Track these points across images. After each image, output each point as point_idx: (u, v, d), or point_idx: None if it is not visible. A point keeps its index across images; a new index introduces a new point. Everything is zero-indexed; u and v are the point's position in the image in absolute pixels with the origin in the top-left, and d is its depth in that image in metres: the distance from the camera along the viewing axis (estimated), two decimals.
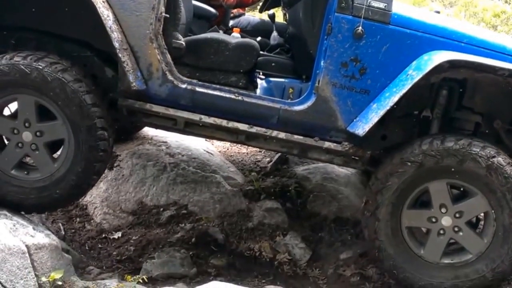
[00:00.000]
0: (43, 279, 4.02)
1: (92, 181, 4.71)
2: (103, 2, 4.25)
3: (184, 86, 4.50)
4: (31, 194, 4.51)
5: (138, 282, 4.33)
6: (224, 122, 4.59)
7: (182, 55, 4.62)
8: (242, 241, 5.40)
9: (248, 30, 6.17)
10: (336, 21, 4.35)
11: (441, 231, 4.54)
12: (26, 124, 4.44)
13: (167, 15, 4.46)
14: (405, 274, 4.57)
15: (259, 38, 5.65)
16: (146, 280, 4.42)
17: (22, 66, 4.31)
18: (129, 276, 4.38)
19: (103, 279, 4.61)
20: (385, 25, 4.36)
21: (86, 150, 4.46)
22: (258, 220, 5.58)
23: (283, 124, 4.59)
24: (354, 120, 4.46)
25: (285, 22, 6.18)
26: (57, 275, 4.09)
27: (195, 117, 4.59)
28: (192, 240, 5.31)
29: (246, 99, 4.55)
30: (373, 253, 4.64)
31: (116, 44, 4.27)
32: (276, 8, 6.23)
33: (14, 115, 4.55)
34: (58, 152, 4.64)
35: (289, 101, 4.62)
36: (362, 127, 4.36)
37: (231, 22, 6.42)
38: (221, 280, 4.67)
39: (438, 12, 5.38)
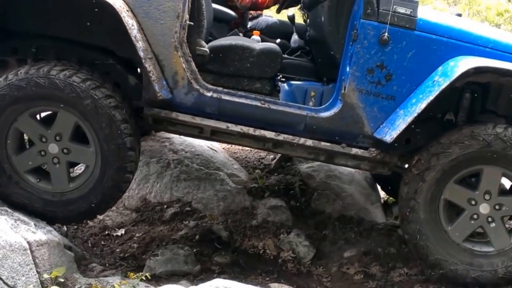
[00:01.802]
0: (45, 276, 4.00)
1: (100, 213, 4.72)
2: (127, 11, 4.21)
3: (209, 94, 4.48)
4: (36, 203, 4.47)
5: (141, 280, 4.30)
6: (251, 130, 4.57)
7: (206, 62, 4.59)
8: (246, 239, 5.39)
9: (267, 32, 6.14)
10: (361, 28, 4.35)
11: (475, 216, 4.55)
12: (57, 138, 4.40)
13: (191, 23, 4.43)
14: (425, 243, 4.55)
15: (278, 40, 5.63)
16: (149, 277, 4.39)
17: (79, 90, 4.26)
18: (132, 274, 4.35)
19: (106, 276, 4.58)
20: (411, 31, 4.35)
21: (108, 187, 4.47)
22: (262, 217, 5.57)
23: (310, 131, 4.58)
24: (381, 126, 4.47)
25: (303, 23, 6.16)
26: (59, 272, 4.07)
27: (222, 125, 4.57)
28: (196, 238, 5.30)
29: (272, 106, 4.54)
30: (404, 212, 4.58)
31: (141, 54, 4.23)
32: (293, 8, 6.19)
33: (46, 123, 4.48)
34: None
35: (315, 107, 4.61)
36: (389, 134, 4.36)
37: (249, 24, 6.37)
38: (224, 278, 4.63)
39: (460, 15, 5.32)
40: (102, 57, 4.59)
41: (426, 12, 4.55)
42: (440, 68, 4.33)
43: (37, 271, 3.98)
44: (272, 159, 6.38)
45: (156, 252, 5.06)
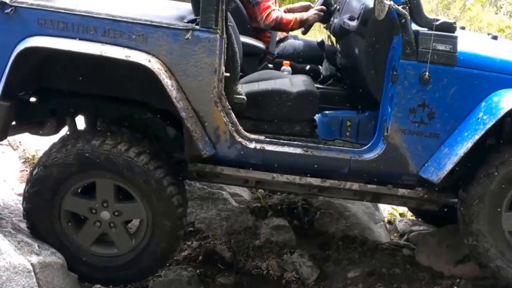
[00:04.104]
0: None
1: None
2: (165, 71, 4.11)
3: (253, 146, 4.41)
4: (55, 245, 4.40)
5: None
6: (297, 179, 4.54)
7: (244, 109, 4.52)
8: (250, 259, 5.35)
9: (295, 56, 6.14)
10: (401, 68, 4.25)
11: None
12: (116, 213, 4.38)
13: (228, 74, 4.36)
14: (479, 211, 4.41)
15: (308, 67, 5.63)
16: None
17: (169, 197, 4.34)
18: None
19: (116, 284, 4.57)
20: (452, 67, 4.26)
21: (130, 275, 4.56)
22: (265, 237, 5.54)
23: (354, 174, 4.53)
24: (426, 164, 4.40)
25: (329, 43, 6.20)
26: None
27: (268, 176, 4.54)
28: (199, 258, 5.26)
29: (315, 153, 4.47)
30: (478, 175, 4.41)
31: (183, 114, 4.15)
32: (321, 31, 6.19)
33: (109, 194, 4.40)
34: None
35: (358, 149, 4.55)
36: (436, 174, 4.31)
37: (276, 49, 6.33)
38: None
39: (496, 38, 5.13)
40: (139, 111, 4.54)
41: (464, 39, 4.44)
42: (483, 104, 4.25)
43: None
44: None
45: (160, 274, 5.01)
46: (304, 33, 6.38)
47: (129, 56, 4.03)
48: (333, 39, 6.15)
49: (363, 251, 5.51)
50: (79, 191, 4.40)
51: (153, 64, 4.06)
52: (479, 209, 4.42)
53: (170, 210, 4.37)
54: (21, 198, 5.01)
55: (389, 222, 6.39)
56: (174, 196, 4.37)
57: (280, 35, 6.37)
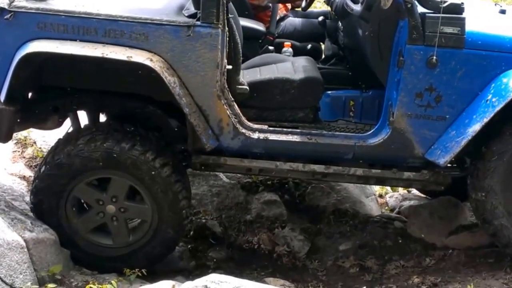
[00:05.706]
0: (42, 273, 4.01)
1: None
2: (167, 69, 4.07)
3: (256, 136, 4.39)
4: (53, 225, 4.42)
5: (137, 276, 4.32)
6: (300, 167, 4.55)
7: (247, 98, 4.48)
8: (241, 234, 5.41)
9: (296, 36, 6.09)
10: (408, 53, 4.18)
11: None
12: (122, 209, 4.44)
13: (230, 66, 4.33)
14: (495, 167, 4.36)
15: (309, 46, 5.62)
16: (145, 273, 4.40)
17: (180, 210, 4.44)
18: (127, 270, 4.37)
19: (102, 273, 4.58)
20: (459, 50, 4.18)
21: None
22: (256, 212, 5.57)
23: (359, 159, 4.52)
24: (432, 147, 4.36)
25: (331, 12, 6.08)
26: (56, 269, 4.10)
27: (271, 165, 4.55)
28: (191, 234, 5.30)
29: (319, 140, 4.44)
30: (504, 132, 4.34)
31: (187, 110, 4.12)
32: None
33: (121, 191, 4.44)
34: None
35: (362, 134, 4.52)
36: (442, 157, 4.28)
37: (276, 30, 6.25)
38: (220, 273, 4.63)
39: (504, 12, 4.90)
40: (141, 105, 4.53)
41: (471, 14, 4.32)
42: (492, 85, 4.18)
43: (34, 268, 3.99)
44: None
45: None
46: (305, 9, 6.33)
47: (131, 57, 4.00)
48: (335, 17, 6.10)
49: (354, 224, 5.55)
50: (92, 182, 4.44)
51: (155, 63, 4.02)
52: (496, 166, 4.37)
53: (177, 222, 4.45)
54: (13, 177, 5.09)
55: (380, 195, 6.42)
56: (185, 209, 4.45)
57: (280, 13, 6.33)
